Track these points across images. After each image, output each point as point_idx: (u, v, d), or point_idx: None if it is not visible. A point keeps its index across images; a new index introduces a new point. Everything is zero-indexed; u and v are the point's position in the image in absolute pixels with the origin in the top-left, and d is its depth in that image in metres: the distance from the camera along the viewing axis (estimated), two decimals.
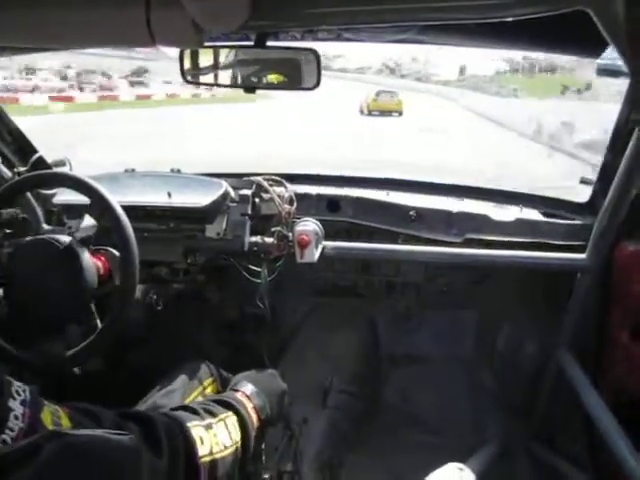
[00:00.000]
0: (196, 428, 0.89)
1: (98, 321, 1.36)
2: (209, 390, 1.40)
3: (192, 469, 0.83)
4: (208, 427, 0.93)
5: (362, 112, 21.36)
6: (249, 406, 1.11)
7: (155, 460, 0.72)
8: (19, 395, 0.67)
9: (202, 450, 0.87)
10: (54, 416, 0.71)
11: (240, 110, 18.88)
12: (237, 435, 0.99)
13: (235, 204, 1.72)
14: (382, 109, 20.95)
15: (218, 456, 0.90)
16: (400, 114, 20.96)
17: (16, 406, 0.66)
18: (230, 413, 1.02)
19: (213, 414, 0.98)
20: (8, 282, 1.36)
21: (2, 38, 1.01)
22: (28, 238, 1.41)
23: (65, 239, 1.36)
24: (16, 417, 0.65)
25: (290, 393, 1.32)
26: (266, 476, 1.70)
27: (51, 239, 1.36)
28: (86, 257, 1.36)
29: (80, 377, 1.53)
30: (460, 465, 1.74)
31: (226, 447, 0.94)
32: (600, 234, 1.68)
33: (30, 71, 25.88)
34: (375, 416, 2.14)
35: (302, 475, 1.78)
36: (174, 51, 1.37)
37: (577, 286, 1.79)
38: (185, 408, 0.98)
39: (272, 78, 1.49)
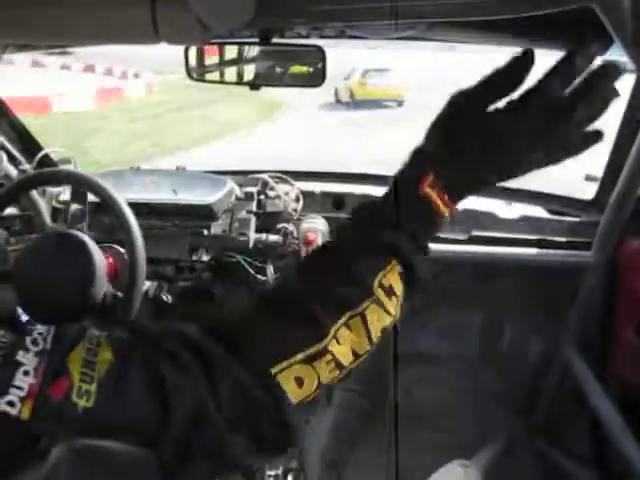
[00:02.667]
0: None
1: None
2: None
3: None
4: None
5: (340, 101, 15.32)
6: None
7: None
8: (36, 345, 0.56)
9: None
10: (89, 354, 0.56)
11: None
12: None
13: (241, 201, 1.73)
14: (372, 96, 14.68)
15: None
16: (400, 104, 14.80)
17: (28, 359, 0.55)
18: None
19: None
20: (17, 279, 1.36)
21: (7, 35, 1.01)
22: (36, 235, 1.42)
23: (75, 236, 1.37)
24: (26, 373, 0.55)
25: None
26: (271, 473, 1.71)
27: (61, 236, 1.36)
28: (96, 255, 1.36)
29: None
30: (465, 462, 1.75)
31: None
32: (606, 231, 1.67)
33: None
34: (380, 414, 2.14)
35: (307, 473, 1.79)
36: None
37: (583, 283, 1.78)
38: None
39: (278, 75, 1.49)
